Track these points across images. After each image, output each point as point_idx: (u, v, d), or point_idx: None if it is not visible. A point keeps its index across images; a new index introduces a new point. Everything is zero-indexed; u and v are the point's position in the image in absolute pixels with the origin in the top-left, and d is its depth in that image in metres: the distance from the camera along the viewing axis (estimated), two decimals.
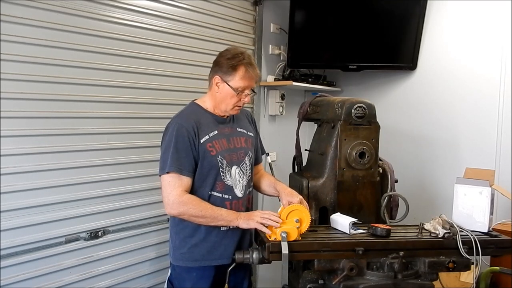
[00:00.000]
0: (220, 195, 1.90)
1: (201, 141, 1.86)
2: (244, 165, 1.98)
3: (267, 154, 2.49)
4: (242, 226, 1.83)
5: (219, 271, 1.92)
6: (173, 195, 1.80)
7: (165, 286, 2.07)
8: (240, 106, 1.92)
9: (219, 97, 1.90)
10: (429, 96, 3.06)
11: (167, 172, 1.80)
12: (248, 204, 2.01)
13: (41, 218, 2.04)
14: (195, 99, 2.02)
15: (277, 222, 1.77)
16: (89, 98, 2.18)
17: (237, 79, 1.85)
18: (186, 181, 1.83)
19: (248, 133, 2.05)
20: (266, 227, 1.80)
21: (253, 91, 1.95)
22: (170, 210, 1.82)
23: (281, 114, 3.31)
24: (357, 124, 2.21)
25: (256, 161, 2.13)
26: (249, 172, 2.00)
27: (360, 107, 2.21)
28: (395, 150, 2.98)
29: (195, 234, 1.90)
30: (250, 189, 2.04)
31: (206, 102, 1.96)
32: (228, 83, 1.86)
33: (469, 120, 2.88)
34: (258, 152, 2.15)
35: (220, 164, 1.88)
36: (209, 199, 1.88)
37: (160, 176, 1.85)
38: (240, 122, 2.05)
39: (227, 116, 1.99)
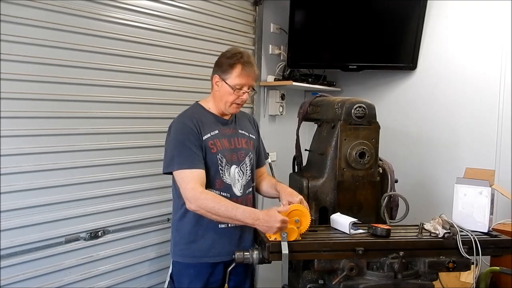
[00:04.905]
0: (219, 192, 1.91)
1: (204, 138, 1.89)
2: (244, 165, 1.99)
3: (267, 154, 2.49)
4: (263, 231, 1.79)
5: (218, 269, 1.93)
6: (188, 190, 1.79)
7: (167, 282, 2.07)
8: (238, 104, 1.94)
9: (218, 96, 1.93)
10: (429, 96, 3.06)
11: (178, 169, 1.82)
12: (249, 205, 2.01)
13: (41, 218, 2.04)
14: (199, 100, 2.04)
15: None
16: (89, 98, 2.18)
17: (234, 77, 1.88)
18: (199, 173, 1.82)
19: (250, 135, 2.08)
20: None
21: (254, 89, 1.97)
22: (189, 205, 1.80)
23: (281, 114, 3.31)
24: (357, 124, 2.21)
25: (258, 164, 2.15)
26: (249, 173, 2.02)
27: (360, 107, 2.21)
28: (395, 150, 2.97)
29: (194, 231, 1.91)
30: (251, 189, 2.04)
31: (209, 103, 2.00)
32: (226, 81, 1.89)
33: (469, 120, 2.88)
34: (260, 155, 2.17)
35: (219, 162, 1.91)
36: None
37: (172, 173, 1.87)
38: (242, 124, 2.07)
39: (229, 117, 2.01)
